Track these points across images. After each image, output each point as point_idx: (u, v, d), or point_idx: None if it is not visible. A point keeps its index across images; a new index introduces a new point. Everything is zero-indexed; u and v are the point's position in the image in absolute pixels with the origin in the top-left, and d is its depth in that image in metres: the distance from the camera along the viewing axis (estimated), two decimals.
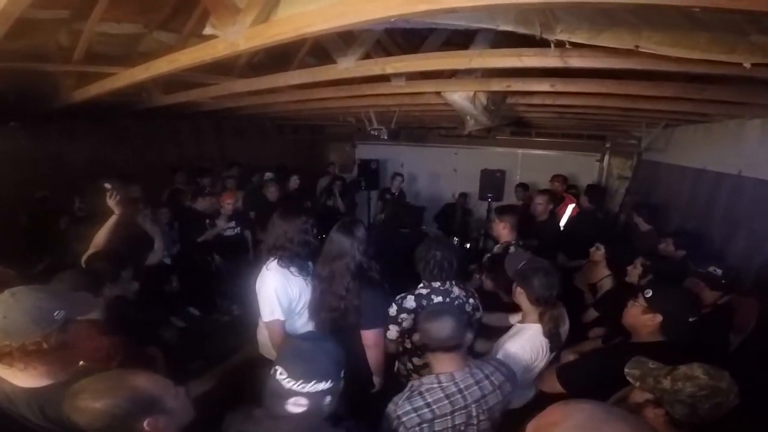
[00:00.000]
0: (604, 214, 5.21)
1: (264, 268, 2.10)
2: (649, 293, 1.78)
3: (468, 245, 4.98)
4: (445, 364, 1.56)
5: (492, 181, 5.66)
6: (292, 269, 2.07)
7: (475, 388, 1.53)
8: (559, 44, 1.53)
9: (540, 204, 3.92)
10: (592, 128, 5.48)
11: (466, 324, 1.69)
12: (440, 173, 7.49)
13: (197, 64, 1.95)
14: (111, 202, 2.48)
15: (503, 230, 2.92)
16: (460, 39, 2.47)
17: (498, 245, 3.00)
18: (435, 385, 1.52)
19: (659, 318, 1.72)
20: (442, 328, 1.53)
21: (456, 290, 2.09)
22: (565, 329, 2.01)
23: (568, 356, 2.20)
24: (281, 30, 1.55)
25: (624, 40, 1.46)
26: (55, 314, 1.27)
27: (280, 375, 1.21)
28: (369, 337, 2.03)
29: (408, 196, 6.68)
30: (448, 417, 1.49)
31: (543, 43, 1.63)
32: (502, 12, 1.46)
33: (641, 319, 1.78)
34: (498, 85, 2.71)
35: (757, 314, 2.31)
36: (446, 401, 1.49)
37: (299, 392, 1.19)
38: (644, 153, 5.11)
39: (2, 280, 1.96)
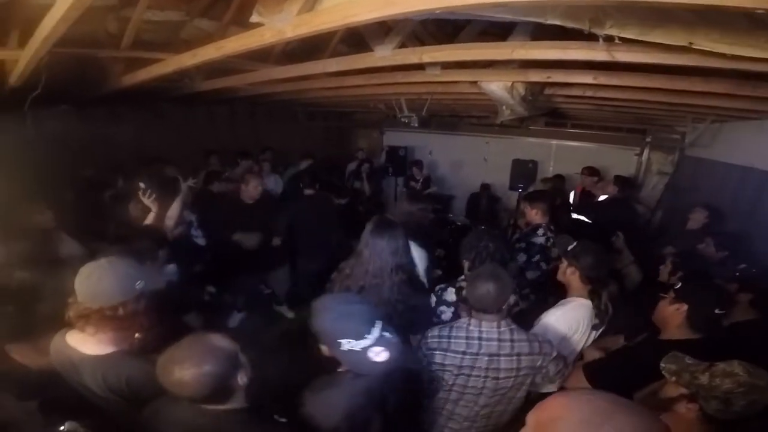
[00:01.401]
0: (629, 205, 4.98)
1: None
2: (678, 285, 1.80)
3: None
4: (481, 316, 1.65)
5: (523, 172, 5.56)
6: (414, 243, 2.29)
7: (495, 343, 1.60)
8: (608, 38, 1.49)
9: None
10: (633, 122, 5.23)
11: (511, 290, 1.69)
12: (470, 162, 7.35)
13: (243, 51, 1.98)
14: (185, 186, 2.90)
15: (535, 216, 2.95)
16: (497, 30, 2.41)
17: (528, 227, 3.02)
18: (463, 325, 1.66)
19: (685, 307, 1.72)
20: (486, 294, 1.59)
21: None
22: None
23: (593, 353, 2.19)
24: (328, 19, 1.57)
25: (677, 37, 1.40)
26: (137, 284, 1.36)
27: (348, 344, 1.23)
28: None
29: (435, 183, 6.64)
30: (459, 355, 1.61)
31: (586, 35, 1.57)
32: (551, 6, 1.42)
33: (668, 310, 1.78)
34: (537, 76, 2.63)
35: None
36: (464, 341, 1.61)
37: (370, 344, 1.24)
38: (688, 149, 4.88)
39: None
